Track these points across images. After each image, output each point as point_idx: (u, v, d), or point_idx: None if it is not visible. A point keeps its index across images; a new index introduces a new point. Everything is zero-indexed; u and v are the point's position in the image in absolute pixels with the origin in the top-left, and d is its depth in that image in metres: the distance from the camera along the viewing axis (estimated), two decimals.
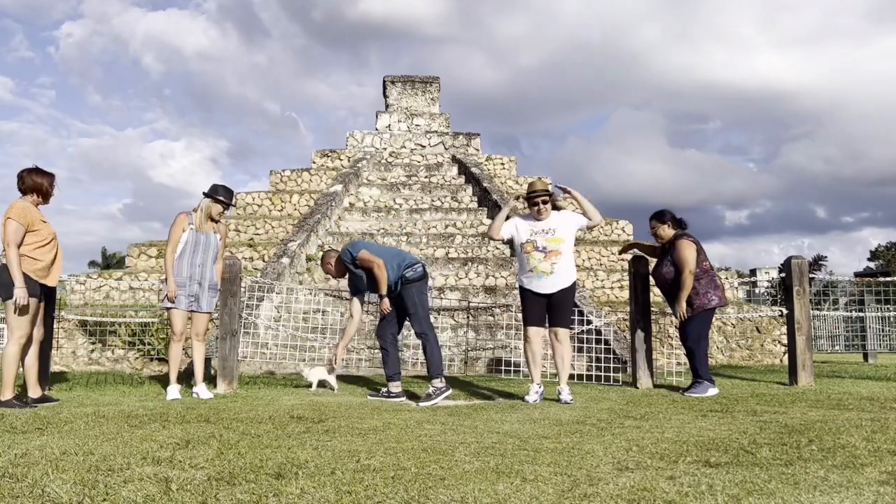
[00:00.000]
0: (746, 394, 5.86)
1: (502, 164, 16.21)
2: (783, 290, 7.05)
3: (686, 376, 6.87)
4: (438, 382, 5.54)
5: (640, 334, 6.61)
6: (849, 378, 7.54)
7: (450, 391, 5.59)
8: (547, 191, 5.59)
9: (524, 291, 5.64)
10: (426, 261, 10.55)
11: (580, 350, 8.51)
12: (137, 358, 9.17)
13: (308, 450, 3.19)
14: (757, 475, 2.62)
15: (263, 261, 11.40)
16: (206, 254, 5.75)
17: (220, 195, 5.87)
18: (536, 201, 5.54)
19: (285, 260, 10.87)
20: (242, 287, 6.86)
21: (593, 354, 7.95)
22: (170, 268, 5.61)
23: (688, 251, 6.01)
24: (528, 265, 5.53)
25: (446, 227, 13.28)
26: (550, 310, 5.56)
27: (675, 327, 6.80)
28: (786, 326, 7.12)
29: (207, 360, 6.60)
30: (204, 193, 5.88)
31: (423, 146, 16.09)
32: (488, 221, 13.54)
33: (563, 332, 5.58)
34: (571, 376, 7.63)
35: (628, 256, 7.25)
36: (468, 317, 9.92)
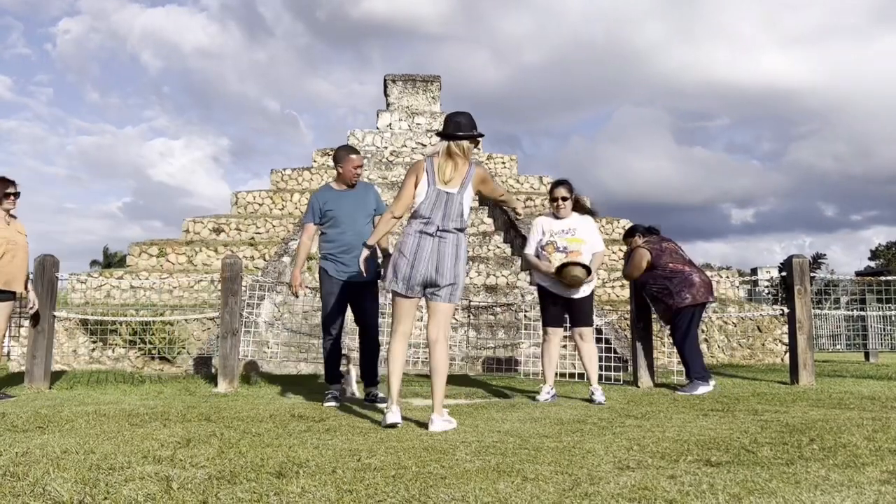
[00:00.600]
0: (747, 393, 5.85)
1: (503, 162, 16.20)
2: (784, 289, 7.05)
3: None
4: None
5: (640, 333, 6.61)
6: (850, 377, 7.53)
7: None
8: (569, 187, 5.59)
9: (543, 292, 5.62)
10: None
11: None
12: (138, 357, 9.17)
13: (309, 448, 3.19)
14: (758, 474, 2.61)
15: (264, 259, 11.41)
16: None
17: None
18: (556, 196, 5.54)
19: (286, 259, 10.87)
20: (244, 286, 6.87)
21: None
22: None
23: (634, 258, 6.35)
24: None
25: None
26: (572, 310, 5.56)
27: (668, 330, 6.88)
28: (787, 325, 7.11)
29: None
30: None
31: (424, 145, 16.08)
32: (489, 220, 13.54)
33: (588, 332, 5.59)
34: (572, 375, 7.66)
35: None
36: (469, 316, 9.92)
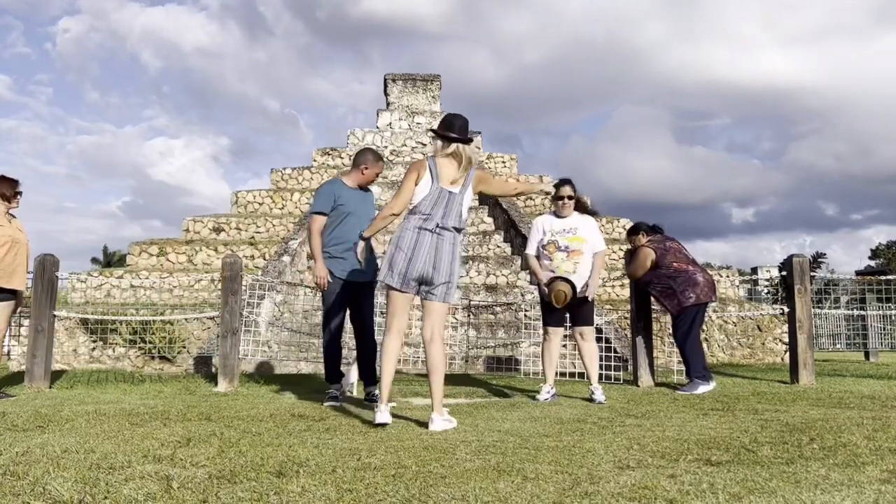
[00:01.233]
0: (747, 392, 5.86)
1: (503, 162, 16.20)
2: (784, 289, 7.04)
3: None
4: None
5: (640, 333, 6.61)
6: (850, 376, 7.53)
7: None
8: (574, 186, 5.62)
9: (544, 292, 5.62)
10: None
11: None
12: (138, 356, 9.17)
13: (309, 448, 3.19)
14: (758, 473, 2.61)
15: (265, 259, 11.41)
16: None
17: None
18: (562, 195, 5.56)
19: (286, 258, 10.87)
20: (244, 285, 6.87)
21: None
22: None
23: (639, 257, 6.34)
24: (550, 265, 5.52)
25: None
26: (573, 310, 5.56)
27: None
28: (787, 325, 7.11)
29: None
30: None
31: (425, 144, 16.08)
32: (489, 220, 13.54)
33: (589, 331, 5.61)
34: (572, 374, 7.66)
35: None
36: (469, 315, 9.92)
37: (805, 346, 6.62)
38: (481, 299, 10.31)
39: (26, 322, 7.29)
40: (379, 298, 6.04)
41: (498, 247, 12.38)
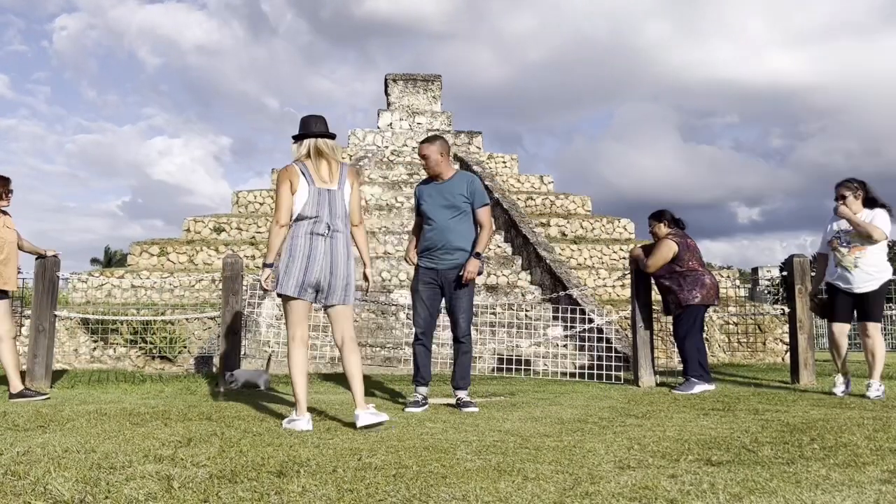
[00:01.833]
0: (748, 392, 5.86)
1: (504, 162, 16.20)
2: (785, 289, 7.04)
3: None
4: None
5: (641, 332, 6.61)
6: (850, 377, 7.51)
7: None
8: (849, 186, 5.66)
9: (832, 288, 5.77)
10: None
11: (581, 348, 8.52)
12: (139, 356, 9.18)
13: (310, 448, 3.19)
14: (759, 473, 2.61)
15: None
16: None
17: None
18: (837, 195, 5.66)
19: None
20: (245, 285, 6.87)
21: (595, 353, 7.95)
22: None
23: (662, 249, 6.23)
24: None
25: None
26: (859, 304, 5.66)
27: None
28: (787, 325, 7.11)
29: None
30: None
31: None
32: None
33: (872, 326, 5.69)
34: (572, 374, 7.67)
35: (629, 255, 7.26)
36: None
37: (806, 346, 6.62)
38: (481, 300, 10.31)
39: (27, 322, 7.29)
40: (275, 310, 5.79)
41: (499, 247, 12.38)
